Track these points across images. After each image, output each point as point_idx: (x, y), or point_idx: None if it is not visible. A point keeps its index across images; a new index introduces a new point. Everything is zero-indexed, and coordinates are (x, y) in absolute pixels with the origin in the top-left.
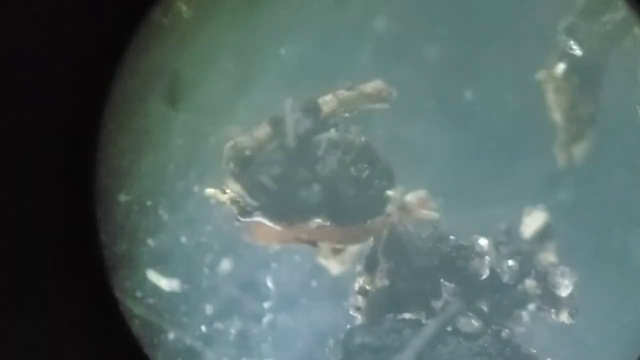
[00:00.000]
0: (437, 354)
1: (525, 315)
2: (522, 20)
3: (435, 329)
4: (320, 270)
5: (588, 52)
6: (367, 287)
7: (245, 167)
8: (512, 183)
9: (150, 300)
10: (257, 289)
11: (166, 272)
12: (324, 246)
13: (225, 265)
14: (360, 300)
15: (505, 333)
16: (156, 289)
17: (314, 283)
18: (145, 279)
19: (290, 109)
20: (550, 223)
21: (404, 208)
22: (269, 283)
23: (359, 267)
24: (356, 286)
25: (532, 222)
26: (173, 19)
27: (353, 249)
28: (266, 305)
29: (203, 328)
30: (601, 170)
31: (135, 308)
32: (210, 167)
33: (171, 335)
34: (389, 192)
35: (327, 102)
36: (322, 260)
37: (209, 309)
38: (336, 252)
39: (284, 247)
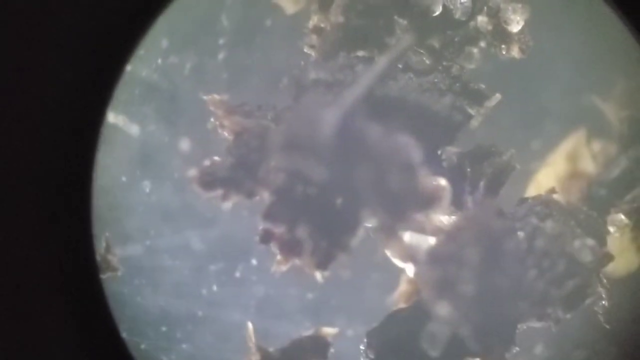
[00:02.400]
0: (387, 89)
1: (476, 52)
2: None
3: (386, 64)
4: (275, 10)
5: None
6: (322, 25)
7: None
8: None
9: None
10: (211, 24)
11: None
12: None
13: None
14: (314, 39)
15: (455, 69)
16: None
17: (268, 22)
18: None
19: None
20: None
21: None
22: (224, 20)
23: (314, 5)
24: (311, 24)
25: None
26: None
27: None
28: (221, 41)
29: (159, 61)
30: None
31: None
32: None
33: (128, 67)
34: None
35: None
36: None
37: (164, 43)
38: None
39: None
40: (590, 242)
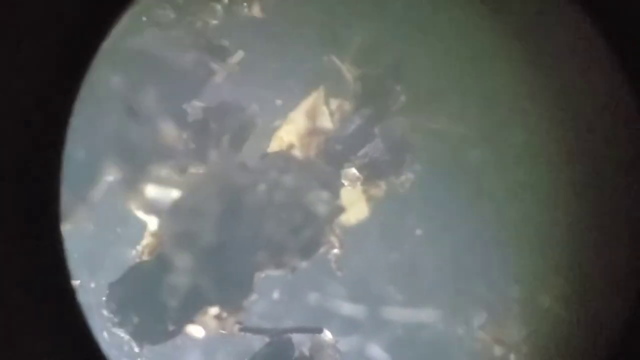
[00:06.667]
0: (131, 43)
1: (219, 8)
2: None
3: (129, 16)
4: None
5: None
6: None
7: None
8: None
9: None
10: None
11: None
12: None
13: None
14: None
15: (199, 24)
16: None
17: None
18: None
19: None
20: None
21: None
22: None
23: None
24: None
25: None
26: None
27: None
28: None
29: None
30: None
31: None
32: None
33: None
34: None
35: None
36: None
37: None
38: None
39: None
40: (324, 194)
